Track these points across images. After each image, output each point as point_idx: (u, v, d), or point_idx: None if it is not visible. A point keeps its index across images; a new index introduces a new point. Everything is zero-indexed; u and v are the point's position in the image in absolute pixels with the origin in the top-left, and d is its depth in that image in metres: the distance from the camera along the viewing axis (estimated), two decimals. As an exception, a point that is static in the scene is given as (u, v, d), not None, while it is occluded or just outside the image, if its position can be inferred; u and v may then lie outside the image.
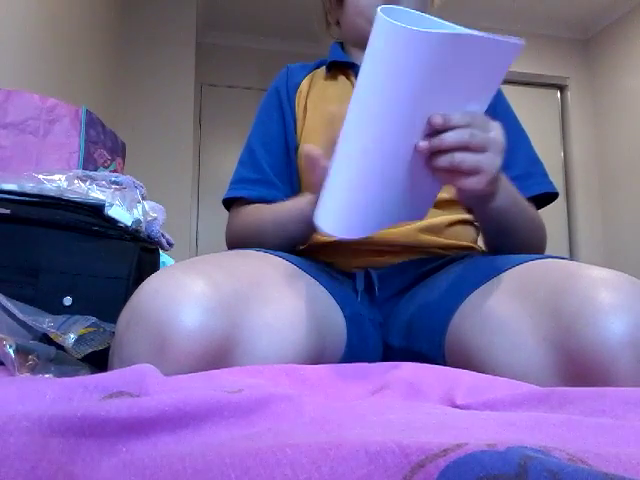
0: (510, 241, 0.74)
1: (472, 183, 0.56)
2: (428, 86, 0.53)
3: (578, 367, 0.48)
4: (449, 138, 0.54)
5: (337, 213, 0.55)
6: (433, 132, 0.55)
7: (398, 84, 0.53)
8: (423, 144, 0.55)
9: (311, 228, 0.63)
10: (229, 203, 0.90)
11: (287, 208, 0.77)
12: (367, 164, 0.54)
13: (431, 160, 0.56)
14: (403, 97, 0.53)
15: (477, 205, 0.68)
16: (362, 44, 0.91)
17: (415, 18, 0.54)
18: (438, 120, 0.54)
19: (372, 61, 0.53)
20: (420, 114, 0.54)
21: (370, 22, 0.86)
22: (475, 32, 0.50)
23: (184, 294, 0.49)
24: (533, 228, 0.76)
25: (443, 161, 0.55)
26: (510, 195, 0.68)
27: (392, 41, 0.51)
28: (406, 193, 0.59)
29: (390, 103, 0.53)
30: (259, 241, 0.79)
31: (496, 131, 0.57)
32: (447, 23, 0.53)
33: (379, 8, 0.50)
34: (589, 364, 0.47)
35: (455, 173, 0.56)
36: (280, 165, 0.89)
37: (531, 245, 0.76)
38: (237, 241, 0.86)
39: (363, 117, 0.54)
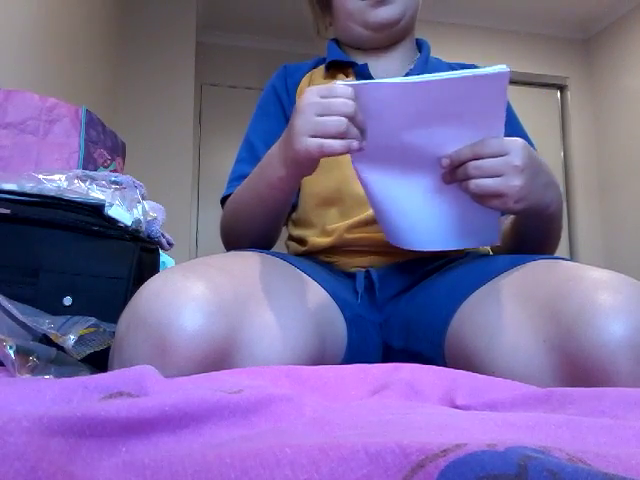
0: (544, 241, 0.75)
1: (497, 204, 0.61)
2: (424, 128, 0.59)
3: (578, 369, 0.48)
4: (458, 174, 0.60)
5: (398, 232, 0.68)
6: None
7: (382, 133, 0.60)
8: (445, 179, 0.62)
9: (278, 172, 0.67)
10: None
11: (256, 167, 0.75)
12: (410, 199, 0.65)
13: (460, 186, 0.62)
14: (404, 142, 0.60)
15: (530, 215, 0.68)
16: (357, 44, 0.92)
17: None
18: (445, 162, 0.61)
19: None
20: (434, 151, 0.61)
21: (361, 25, 0.87)
22: (440, 75, 0.55)
23: (185, 298, 0.49)
24: (561, 226, 0.77)
25: (464, 187, 0.61)
26: (560, 201, 0.69)
27: (362, 99, 0.57)
28: (464, 216, 0.66)
29: (387, 146, 0.61)
30: (241, 220, 0.79)
31: (514, 153, 0.59)
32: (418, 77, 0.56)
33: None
34: (589, 366, 0.47)
35: (482, 196, 0.60)
36: None
37: (555, 244, 0.78)
38: (227, 232, 0.85)
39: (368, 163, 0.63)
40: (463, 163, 0.59)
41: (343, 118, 0.56)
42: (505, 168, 0.58)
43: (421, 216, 0.66)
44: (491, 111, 0.58)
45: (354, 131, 0.57)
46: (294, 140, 0.59)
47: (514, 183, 0.59)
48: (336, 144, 0.56)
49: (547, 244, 0.76)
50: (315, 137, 0.57)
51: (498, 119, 0.58)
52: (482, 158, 0.59)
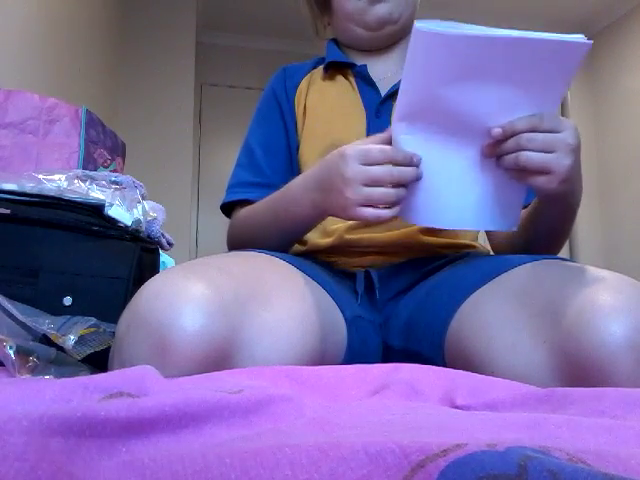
0: (555, 236, 0.76)
1: (542, 182, 0.59)
2: (485, 89, 0.56)
3: (578, 369, 0.48)
4: (508, 145, 0.58)
5: (419, 208, 0.65)
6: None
7: (446, 91, 0.57)
8: (488, 150, 0.60)
9: (306, 200, 0.68)
10: (228, 208, 0.89)
11: (281, 191, 0.76)
12: (437, 168, 0.62)
13: (500, 160, 0.60)
14: (457, 104, 0.57)
15: (554, 200, 0.67)
16: (356, 45, 0.92)
17: (452, 27, 0.56)
18: (497, 132, 0.58)
19: (416, 71, 0.57)
20: (483, 118, 0.59)
21: (360, 25, 0.87)
22: (523, 35, 0.52)
23: (185, 298, 0.49)
24: (573, 223, 0.77)
25: (509, 161, 0.59)
26: (581, 196, 0.69)
27: (433, 49, 0.55)
28: (489, 195, 0.63)
29: (445, 110, 0.58)
30: (258, 236, 0.79)
31: (568, 131, 0.58)
32: (486, 29, 0.54)
33: (415, 22, 0.54)
34: (589, 366, 0.47)
35: (525, 172, 0.59)
36: (281, 166, 0.88)
37: (563, 242, 0.78)
38: (239, 244, 0.85)
39: (420, 130, 0.60)
40: (515, 135, 0.58)
41: (391, 191, 0.60)
42: (559, 145, 0.57)
43: (448, 190, 0.63)
44: (556, 82, 0.55)
45: (403, 193, 0.61)
46: (348, 207, 0.62)
47: (565, 162, 0.58)
48: (389, 213, 0.61)
49: (556, 242, 0.75)
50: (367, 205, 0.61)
51: (559, 93, 0.57)
52: (538, 132, 0.57)
